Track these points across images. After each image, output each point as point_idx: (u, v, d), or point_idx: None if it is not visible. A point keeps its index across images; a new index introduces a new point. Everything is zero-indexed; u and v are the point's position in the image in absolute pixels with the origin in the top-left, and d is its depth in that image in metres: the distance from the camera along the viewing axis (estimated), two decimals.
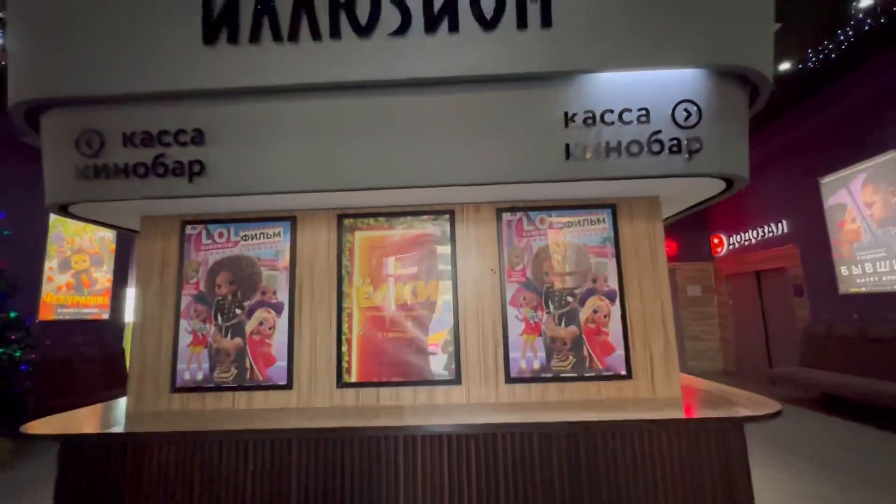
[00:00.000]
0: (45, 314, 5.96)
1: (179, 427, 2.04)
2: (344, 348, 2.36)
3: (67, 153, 2.08)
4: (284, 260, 2.44)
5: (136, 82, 2.01)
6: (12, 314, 4.65)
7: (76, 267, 6.51)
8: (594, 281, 2.38)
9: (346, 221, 2.47)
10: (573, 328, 2.34)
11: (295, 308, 2.40)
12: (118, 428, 2.10)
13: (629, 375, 2.30)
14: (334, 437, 1.98)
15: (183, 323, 2.40)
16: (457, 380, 2.32)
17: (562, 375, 2.32)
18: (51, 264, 6.10)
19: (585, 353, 2.32)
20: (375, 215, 2.48)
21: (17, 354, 4.59)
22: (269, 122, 2.08)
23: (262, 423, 2.06)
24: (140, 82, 2.01)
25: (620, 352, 2.32)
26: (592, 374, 2.31)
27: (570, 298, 2.37)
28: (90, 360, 6.44)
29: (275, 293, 2.40)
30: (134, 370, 2.42)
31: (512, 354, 2.33)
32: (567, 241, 2.42)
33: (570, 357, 2.32)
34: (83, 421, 2.23)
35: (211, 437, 2.00)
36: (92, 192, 2.08)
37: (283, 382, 2.32)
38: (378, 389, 2.33)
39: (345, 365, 2.34)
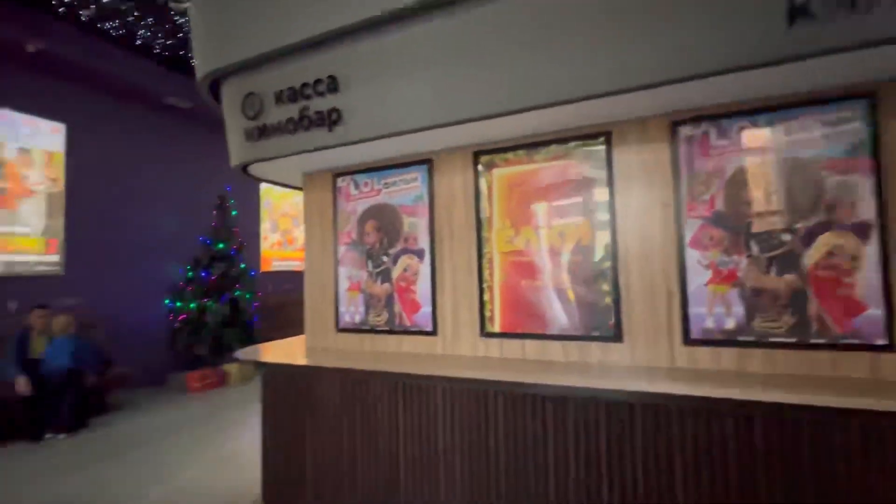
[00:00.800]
0: (264, 267, 7.51)
1: (342, 364, 2.22)
2: (486, 296, 2.20)
3: (238, 118, 2.34)
4: (423, 205, 2.36)
5: (276, 37, 2.09)
6: (241, 266, 5.94)
7: (282, 227, 7.97)
8: (830, 210, 1.64)
9: (483, 159, 2.24)
10: (791, 277, 1.69)
11: (436, 254, 2.33)
12: (299, 360, 2.41)
13: (892, 346, 1.57)
14: (477, 389, 1.87)
15: (341, 270, 2.59)
16: (617, 336, 1.94)
17: (772, 340, 1.71)
18: (265, 226, 7.59)
19: (812, 311, 1.65)
20: (514, 148, 2.17)
21: (248, 297, 5.87)
22: (394, 57, 1.94)
23: (410, 367, 2.09)
24: (280, 37, 2.08)
25: (876, 311, 1.58)
26: (824, 340, 1.64)
27: (786, 237, 1.70)
28: (297, 302, 7.95)
29: (416, 239, 2.36)
30: (308, 310, 2.73)
31: (694, 310, 1.82)
32: (784, 156, 1.72)
33: (786, 316, 1.69)
34: (277, 351, 2.64)
35: (366, 376, 2.11)
36: (257, 152, 2.31)
37: (429, 329, 2.31)
38: (523, 341, 2.13)
39: (487, 313, 2.19)
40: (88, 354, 4.11)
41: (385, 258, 2.44)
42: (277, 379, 2.40)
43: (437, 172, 2.36)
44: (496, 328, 2.17)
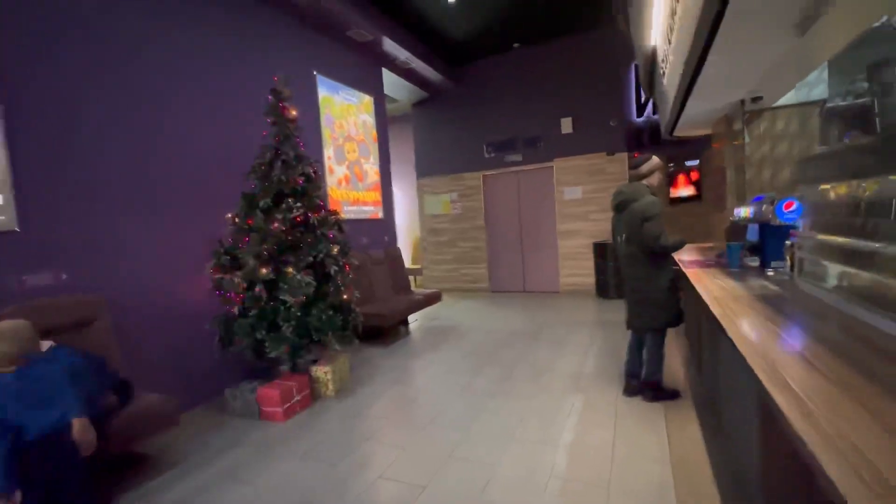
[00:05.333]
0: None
1: None
2: None
3: None
4: None
5: None
6: (320, 206, 3.60)
7: (350, 157, 5.55)
8: None
9: None
10: None
11: None
12: None
13: None
14: None
15: None
16: None
17: None
18: (329, 153, 5.19)
19: None
20: None
21: (337, 258, 3.58)
22: None
23: None
24: None
25: None
26: None
27: None
28: (379, 263, 5.70)
29: None
30: None
31: None
32: None
33: None
34: None
35: None
36: None
37: None
38: None
39: None
40: (89, 383, 1.93)
41: None
42: None
43: None
44: None
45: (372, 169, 5.99)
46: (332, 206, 5.05)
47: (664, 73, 3.11)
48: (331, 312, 3.37)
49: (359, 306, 4.69)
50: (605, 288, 6.69)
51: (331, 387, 3.50)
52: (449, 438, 2.68)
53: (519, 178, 7.68)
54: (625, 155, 6.82)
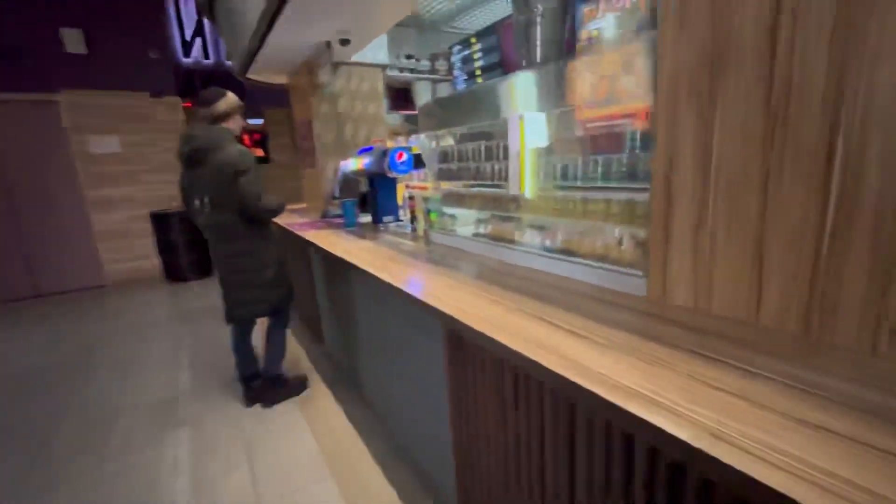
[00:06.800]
0: None
1: None
2: None
3: None
4: None
5: None
6: None
7: None
8: None
9: None
10: None
11: None
12: None
13: None
14: None
15: None
16: None
17: None
18: None
19: None
20: None
21: None
22: None
23: None
24: None
25: None
26: None
27: None
28: None
29: None
30: None
31: None
32: None
33: None
34: None
35: None
36: None
37: None
38: None
39: None
40: None
41: None
42: None
43: None
44: None
45: None
46: None
47: None
48: None
49: None
50: (176, 269, 5.32)
51: None
52: None
53: None
54: (177, 100, 5.46)
